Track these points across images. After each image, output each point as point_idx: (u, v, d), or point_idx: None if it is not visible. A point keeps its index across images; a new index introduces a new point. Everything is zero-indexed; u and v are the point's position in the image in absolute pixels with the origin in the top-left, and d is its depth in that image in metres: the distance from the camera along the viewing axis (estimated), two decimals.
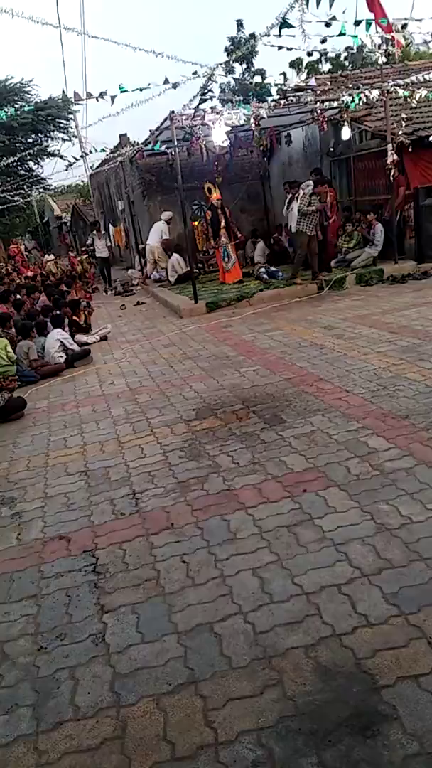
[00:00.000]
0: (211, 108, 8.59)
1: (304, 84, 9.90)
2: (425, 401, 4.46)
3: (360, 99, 9.37)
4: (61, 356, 7.83)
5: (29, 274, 17.04)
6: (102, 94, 7.08)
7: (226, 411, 4.99)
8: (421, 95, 9.71)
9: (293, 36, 5.58)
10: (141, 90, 7.07)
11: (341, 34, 5.90)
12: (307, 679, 2.05)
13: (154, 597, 2.65)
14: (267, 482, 3.57)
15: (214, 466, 3.94)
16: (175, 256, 13.38)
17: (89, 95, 7.25)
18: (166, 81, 7.06)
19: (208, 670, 2.17)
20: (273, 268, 11.55)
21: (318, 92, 10.24)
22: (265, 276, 11.04)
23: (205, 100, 8.23)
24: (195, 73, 6.98)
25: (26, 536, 3.45)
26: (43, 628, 2.59)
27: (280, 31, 5.33)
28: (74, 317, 9.49)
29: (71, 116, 25.13)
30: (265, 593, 2.53)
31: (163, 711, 2.03)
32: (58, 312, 9.10)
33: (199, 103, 8.28)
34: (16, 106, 25.27)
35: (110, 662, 2.32)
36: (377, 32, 7.04)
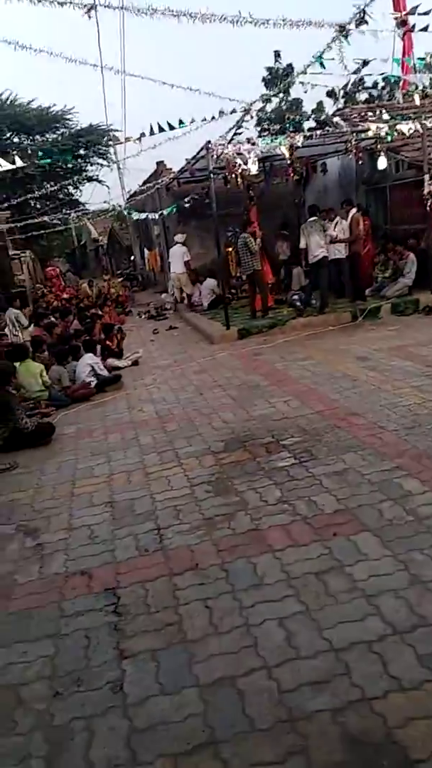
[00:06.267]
0: (247, 139, 8.68)
1: (339, 114, 9.95)
2: None
3: (395, 132, 9.37)
4: (92, 381, 7.88)
5: (65, 296, 17.38)
6: (141, 136, 7.29)
7: (256, 443, 4.90)
8: None
9: (330, 74, 5.61)
10: (181, 125, 7.22)
11: (383, 76, 5.89)
12: (334, 748, 1.93)
13: (175, 644, 2.56)
14: (296, 523, 3.45)
15: (242, 503, 3.84)
16: (210, 280, 13.47)
17: (128, 139, 7.48)
18: (205, 119, 7.20)
19: (229, 731, 2.06)
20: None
21: (354, 123, 10.28)
22: (298, 303, 10.97)
23: (240, 133, 8.29)
24: (233, 110, 7.09)
25: (48, 569, 3.40)
26: (60, 671, 2.52)
27: (321, 64, 5.35)
28: (107, 342, 9.59)
29: (110, 143, 25.83)
30: (292, 647, 2.41)
31: None
32: (89, 336, 9.21)
33: (234, 135, 8.38)
34: (57, 132, 26.15)
35: (128, 714, 2.23)
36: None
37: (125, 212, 19.72)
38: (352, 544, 3.13)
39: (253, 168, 9.78)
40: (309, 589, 2.78)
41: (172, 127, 7.73)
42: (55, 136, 25.53)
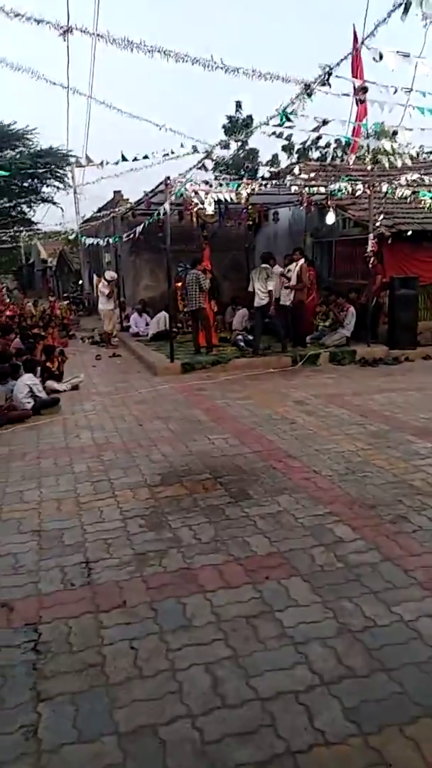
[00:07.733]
0: (205, 181, 8.92)
1: (293, 173, 10.45)
2: (392, 492, 4.43)
3: (345, 190, 9.90)
4: (29, 402, 7.63)
5: (8, 313, 16.91)
6: (102, 163, 7.34)
7: (193, 479, 4.86)
8: (402, 193, 10.28)
9: (291, 127, 5.88)
10: (145, 157, 7.33)
11: (336, 137, 6.24)
12: None
13: (96, 687, 2.44)
14: (228, 564, 3.42)
15: (175, 539, 3.78)
16: (163, 313, 13.50)
17: (89, 160, 7.50)
18: (168, 153, 7.35)
19: None
20: (250, 337, 11.69)
21: (306, 178, 10.78)
22: (242, 344, 11.16)
23: (201, 174, 8.50)
24: (195, 150, 7.27)
25: None
26: None
27: (282, 123, 5.60)
28: (47, 363, 9.35)
29: (68, 167, 25.85)
30: (217, 695, 2.35)
31: None
32: (30, 356, 8.96)
33: (192, 167, 8.58)
34: (16, 150, 25.96)
35: (40, 762, 2.08)
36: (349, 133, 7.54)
37: (76, 237, 19.64)
38: (283, 588, 3.12)
39: (209, 208, 10.05)
40: (238, 634, 2.74)
41: (135, 159, 7.83)
42: (13, 153, 25.31)
